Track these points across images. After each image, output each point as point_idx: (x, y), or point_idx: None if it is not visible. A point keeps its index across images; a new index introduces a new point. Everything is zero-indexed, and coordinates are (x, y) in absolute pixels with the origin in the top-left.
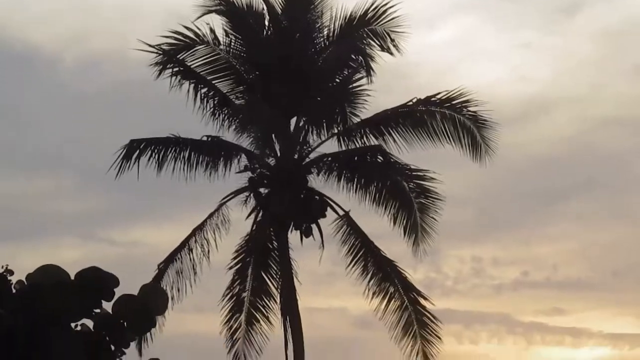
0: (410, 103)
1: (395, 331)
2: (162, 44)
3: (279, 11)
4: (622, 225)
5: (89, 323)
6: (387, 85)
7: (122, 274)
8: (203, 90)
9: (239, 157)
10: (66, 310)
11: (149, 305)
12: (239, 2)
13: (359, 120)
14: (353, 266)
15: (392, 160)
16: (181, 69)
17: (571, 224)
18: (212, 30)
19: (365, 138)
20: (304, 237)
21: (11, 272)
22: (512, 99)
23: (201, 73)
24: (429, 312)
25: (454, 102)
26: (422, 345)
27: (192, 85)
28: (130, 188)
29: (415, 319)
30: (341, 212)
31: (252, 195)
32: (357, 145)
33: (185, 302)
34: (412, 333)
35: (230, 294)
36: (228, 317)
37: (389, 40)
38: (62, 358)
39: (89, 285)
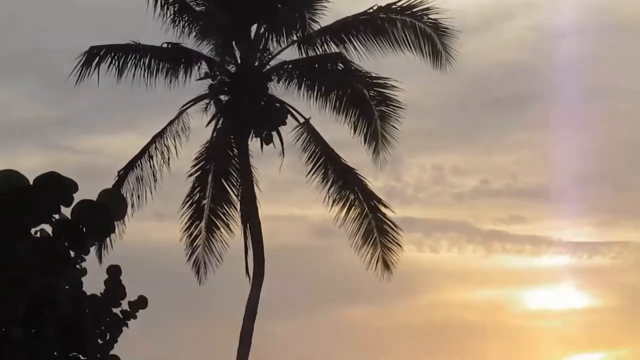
0: (371, 10)
1: (356, 239)
2: None
3: None
4: (582, 134)
5: (48, 229)
6: None
7: (82, 182)
8: None
9: (199, 64)
10: (24, 216)
11: (108, 210)
12: None
13: (319, 27)
14: (313, 174)
15: (352, 68)
16: None
17: (531, 132)
18: None
19: (325, 45)
20: (264, 145)
21: None
22: (473, 6)
23: None
24: (389, 220)
25: (414, 10)
26: (382, 252)
27: None
28: (90, 96)
29: (376, 227)
30: (301, 120)
31: (212, 102)
32: (318, 53)
33: (145, 210)
34: (372, 241)
35: (190, 201)
36: (188, 224)
37: None
38: (20, 264)
39: (47, 190)
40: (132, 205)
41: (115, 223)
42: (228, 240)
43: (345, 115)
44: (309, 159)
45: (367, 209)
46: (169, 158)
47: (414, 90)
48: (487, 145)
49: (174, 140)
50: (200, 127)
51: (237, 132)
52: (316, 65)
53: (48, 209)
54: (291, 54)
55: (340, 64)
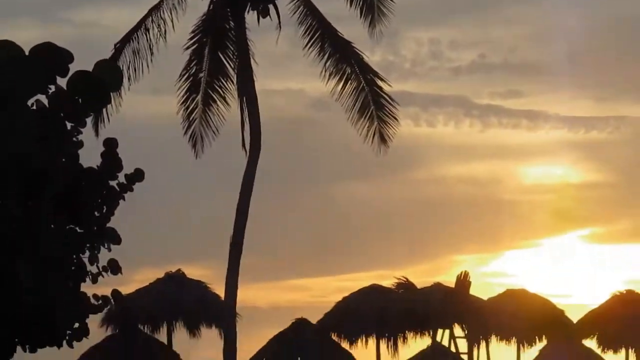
0: None
1: (352, 113)
2: None
3: None
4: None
5: (44, 101)
6: None
7: (79, 54)
8: None
9: None
10: (20, 85)
11: (103, 80)
12: None
13: None
14: (310, 47)
15: None
16: None
17: (529, 6)
18: None
19: None
20: (261, 18)
21: None
22: None
23: None
24: (385, 94)
25: None
26: (378, 126)
27: None
28: None
29: (372, 101)
30: None
31: None
32: None
33: (142, 83)
34: (368, 114)
35: (187, 74)
36: (185, 97)
37: None
38: (18, 137)
39: (43, 60)
40: (129, 79)
41: (111, 95)
42: (225, 114)
43: None
44: (305, 32)
45: (363, 82)
46: (165, 31)
47: None
48: (485, 20)
49: (171, 13)
50: (197, 0)
51: (233, 4)
52: None
53: (43, 79)
54: None
55: None
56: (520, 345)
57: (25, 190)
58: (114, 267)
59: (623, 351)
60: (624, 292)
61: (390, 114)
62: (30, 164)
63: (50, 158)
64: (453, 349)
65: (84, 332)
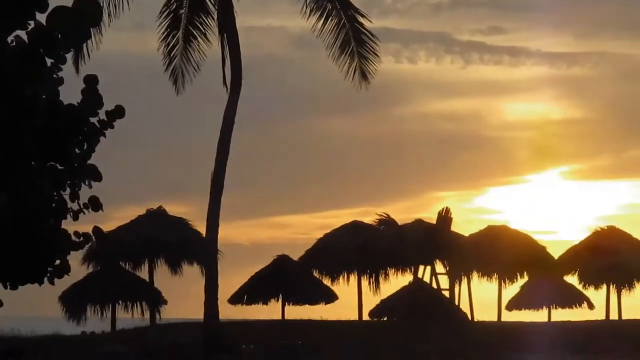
0: None
1: (333, 49)
2: None
3: None
4: None
5: (24, 37)
6: None
7: None
8: None
9: None
10: None
11: (83, 16)
12: None
13: None
14: None
15: None
16: None
17: None
18: None
19: None
20: None
21: None
22: None
23: None
24: (367, 30)
25: None
26: (359, 63)
27: None
28: None
29: (353, 37)
30: None
31: None
32: None
33: (122, 20)
34: (349, 51)
35: (167, 11)
36: (165, 34)
37: None
38: None
39: None
40: (109, 15)
41: (91, 31)
42: (205, 50)
43: None
44: None
45: (344, 19)
46: None
47: None
48: None
49: None
50: None
51: None
52: None
53: (22, 14)
54: None
55: None
56: (502, 281)
57: (5, 125)
58: (94, 204)
59: (604, 287)
60: (605, 228)
61: (371, 50)
62: (10, 100)
63: (30, 94)
64: (434, 285)
65: (65, 269)
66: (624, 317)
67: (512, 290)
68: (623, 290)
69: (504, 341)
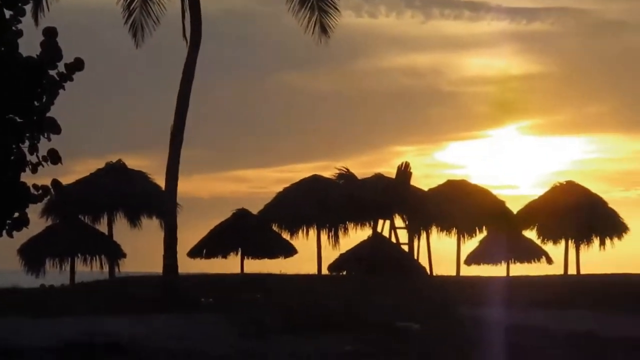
0: None
1: (293, 3)
2: None
3: None
4: None
5: None
6: None
7: None
8: None
9: None
10: None
11: None
12: None
13: None
14: None
15: None
16: None
17: None
18: None
19: None
20: None
21: None
22: None
23: None
24: None
25: None
26: (319, 17)
27: None
28: None
29: None
30: None
31: None
32: None
33: None
34: (309, 5)
35: None
36: None
37: None
38: None
39: None
40: None
41: None
42: (165, 3)
43: None
44: None
45: None
46: None
47: None
48: None
49: None
50: None
51: None
52: None
53: None
54: None
55: None
56: (461, 235)
57: None
58: (53, 157)
59: (562, 242)
60: (564, 183)
61: (331, 4)
62: None
63: None
64: (393, 239)
65: (23, 221)
66: (582, 272)
67: (471, 245)
68: (581, 246)
69: (463, 295)
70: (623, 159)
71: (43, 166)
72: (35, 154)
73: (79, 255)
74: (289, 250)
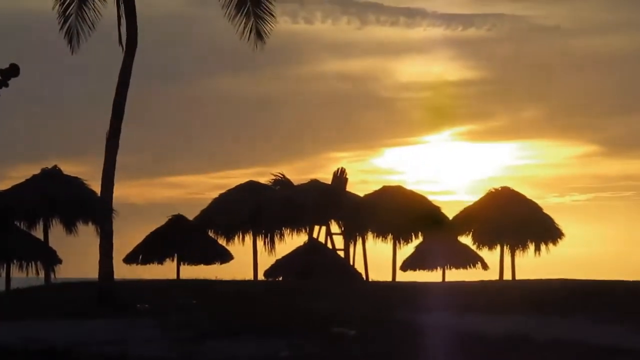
0: None
1: (229, 9)
2: None
3: None
4: None
5: None
6: None
7: None
8: None
9: None
10: None
11: None
12: None
13: None
14: None
15: None
16: None
17: None
18: None
19: None
20: None
21: None
22: None
23: None
24: None
25: None
26: (255, 23)
27: None
28: None
29: None
30: None
31: None
32: None
33: None
34: (245, 11)
35: None
36: None
37: None
38: None
39: None
40: None
41: None
42: (101, 10)
43: None
44: None
45: None
46: None
47: None
48: None
49: None
50: None
51: None
52: None
53: None
54: None
55: None
56: (397, 241)
57: None
58: None
59: (498, 247)
60: (499, 189)
61: (267, 10)
62: None
63: None
64: (329, 245)
65: None
66: (518, 277)
67: (406, 250)
68: (516, 251)
69: (399, 301)
70: (558, 164)
71: None
72: None
73: (15, 261)
74: (225, 256)
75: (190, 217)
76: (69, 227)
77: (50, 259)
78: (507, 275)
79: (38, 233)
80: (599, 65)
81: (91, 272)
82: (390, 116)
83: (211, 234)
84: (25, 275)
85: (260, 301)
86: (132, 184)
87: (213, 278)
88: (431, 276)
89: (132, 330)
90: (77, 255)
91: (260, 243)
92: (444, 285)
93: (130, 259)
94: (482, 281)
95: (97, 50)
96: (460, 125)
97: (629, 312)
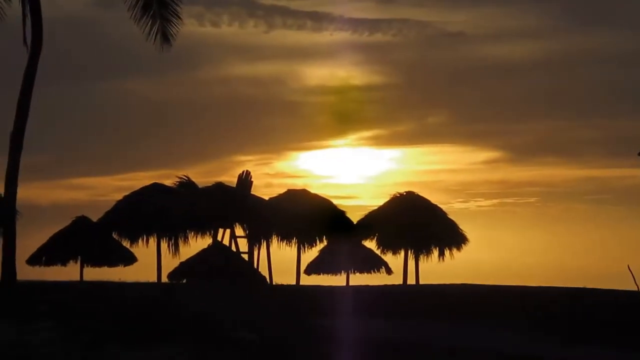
0: None
1: (135, 11)
2: None
3: None
4: None
5: None
6: None
7: None
8: None
9: None
10: None
11: None
12: None
13: None
14: None
15: None
16: None
17: None
18: None
19: None
20: None
21: None
22: None
23: None
24: None
25: None
26: (161, 25)
27: None
28: None
29: None
30: None
31: None
32: None
33: None
34: (151, 13)
35: None
36: None
37: None
38: None
39: None
40: None
41: None
42: (5, 9)
43: None
44: None
45: None
46: None
47: None
48: None
49: None
50: None
51: None
52: None
53: None
54: None
55: None
56: (301, 245)
57: None
58: None
59: (402, 252)
60: (404, 193)
61: (173, 12)
62: None
63: None
64: (233, 248)
65: None
66: (422, 282)
67: (311, 254)
68: (421, 256)
69: (303, 305)
70: (463, 170)
71: None
72: None
73: None
74: (129, 258)
75: (95, 218)
76: None
77: None
78: (411, 280)
79: None
80: (504, 72)
81: None
82: (296, 120)
83: (115, 236)
84: None
85: (163, 305)
86: (36, 185)
87: (117, 280)
88: (335, 280)
89: (31, 333)
90: None
91: (164, 245)
92: (348, 290)
93: (33, 260)
94: (386, 285)
95: (1, 49)
96: (366, 129)
97: (529, 318)
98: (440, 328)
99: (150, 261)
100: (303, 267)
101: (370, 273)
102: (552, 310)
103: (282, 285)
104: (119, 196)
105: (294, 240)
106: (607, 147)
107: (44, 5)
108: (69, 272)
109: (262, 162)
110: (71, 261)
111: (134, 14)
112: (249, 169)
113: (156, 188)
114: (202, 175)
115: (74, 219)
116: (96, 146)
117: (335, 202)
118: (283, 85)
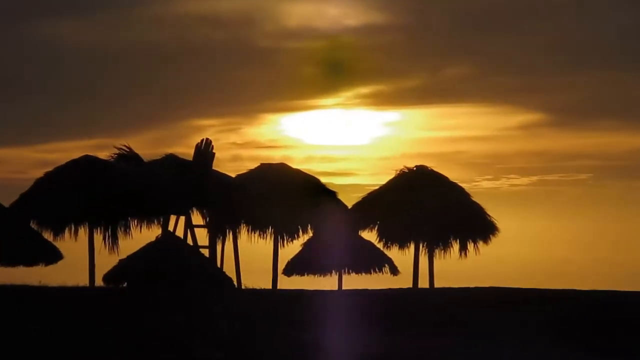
0: None
1: None
2: None
3: None
4: None
5: None
6: None
7: None
8: None
9: None
10: None
11: None
12: None
13: None
14: None
15: None
16: None
17: None
18: None
19: None
20: None
21: None
22: None
23: None
24: None
25: None
26: None
27: None
28: None
29: None
30: None
31: None
32: None
33: None
34: None
35: None
36: None
37: None
38: None
39: None
40: None
41: None
42: None
43: None
44: None
45: None
46: None
47: None
48: None
49: None
50: None
51: None
52: None
53: None
54: None
55: None
56: (279, 237)
57: None
58: None
59: (411, 246)
60: (413, 168)
61: None
62: None
63: None
64: (190, 241)
65: None
66: (437, 285)
67: (292, 249)
68: (436, 251)
69: (283, 314)
70: (491, 137)
71: None
72: None
73: None
74: (53, 256)
75: (6, 203)
76: None
77: None
78: (424, 283)
79: None
80: (545, 11)
81: None
82: (271, 73)
83: (34, 225)
84: None
85: (99, 314)
86: None
87: (37, 283)
88: (323, 283)
89: None
90: None
91: (98, 239)
92: (340, 295)
93: None
94: (390, 290)
95: None
96: (364, 85)
97: (574, 332)
98: (456, 344)
99: (81, 259)
100: (281, 266)
101: (370, 273)
102: (609, 325)
103: (254, 290)
104: (39, 173)
105: (270, 230)
106: None
107: None
108: None
109: (227, 127)
110: None
111: None
112: (210, 137)
113: (88, 162)
114: (149, 146)
115: None
116: (10, 107)
117: (323, 180)
118: (254, 28)
